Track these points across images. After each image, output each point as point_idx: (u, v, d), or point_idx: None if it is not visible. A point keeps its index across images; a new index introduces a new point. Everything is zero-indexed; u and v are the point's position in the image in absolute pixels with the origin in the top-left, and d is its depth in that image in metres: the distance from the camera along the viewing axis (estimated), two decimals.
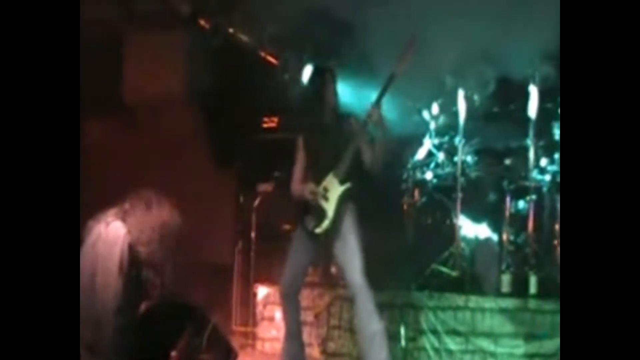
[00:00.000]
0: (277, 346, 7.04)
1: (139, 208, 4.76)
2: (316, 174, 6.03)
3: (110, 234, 4.57)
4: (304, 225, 6.02)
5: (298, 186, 6.13)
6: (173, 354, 5.66)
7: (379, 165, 6.00)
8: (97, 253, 4.53)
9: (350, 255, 5.88)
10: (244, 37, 8.73)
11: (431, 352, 6.76)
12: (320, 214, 5.92)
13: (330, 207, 5.92)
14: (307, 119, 6.34)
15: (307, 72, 8.01)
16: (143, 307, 4.69)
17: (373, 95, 6.20)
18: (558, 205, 7.26)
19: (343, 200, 5.93)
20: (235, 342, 6.83)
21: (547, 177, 7.47)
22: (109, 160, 7.89)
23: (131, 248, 4.55)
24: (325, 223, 5.92)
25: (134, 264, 4.55)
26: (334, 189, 5.92)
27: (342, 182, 5.92)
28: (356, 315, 5.91)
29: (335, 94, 6.16)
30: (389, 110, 6.63)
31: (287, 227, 7.25)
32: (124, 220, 4.69)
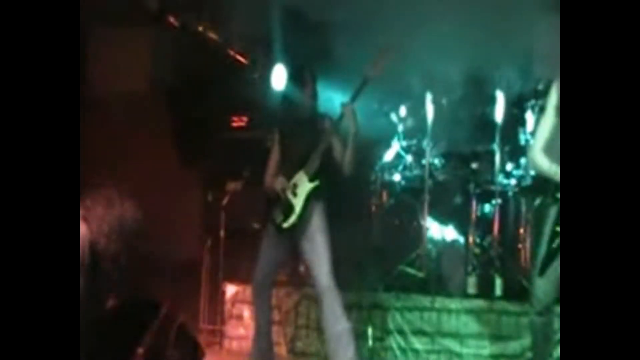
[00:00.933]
0: (245, 345, 7.12)
1: (99, 204, 4.77)
2: (288, 170, 6.12)
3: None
4: (272, 219, 6.10)
5: (271, 179, 6.22)
6: (139, 350, 5.71)
7: (351, 164, 6.06)
8: None
9: (318, 254, 5.94)
10: (212, 35, 8.75)
11: (398, 352, 6.82)
12: (288, 209, 6.01)
13: (298, 203, 6.00)
14: (284, 116, 6.43)
15: (277, 71, 8.05)
16: (109, 303, 4.69)
17: (342, 96, 6.36)
18: (523, 209, 7.47)
19: (311, 197, 6.01)
20: (203, 340, 6.88)
21: (513, 182, 7.63)
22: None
23: (91, 244, 4.54)
24: (292, 218, 6.00)
25: (95, 260, 4.54)
26: (303, 186, 6.00)
27: (311, 180, 6.00)
28: (323, 315, 5.94)
29: (314, 93, 6.25)
30: (358, 112, 6.72)
31: (255, 225, 7.28)
32: (84, 216, 4.69)
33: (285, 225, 6.03)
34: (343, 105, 6.00)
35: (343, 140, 6.05)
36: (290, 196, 6.01)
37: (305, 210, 5.99)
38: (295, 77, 6.38)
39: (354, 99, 5.99)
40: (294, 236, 6.05)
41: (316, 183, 6.01)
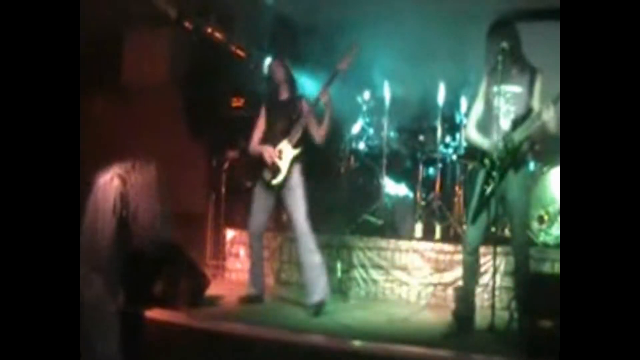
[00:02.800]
0: (242, 276, 7.34)
1: (131, 167, 4.83)
2: (273, 139, 6.26)
3: (107, 186, 4.60)
4: (263, 178, 6.24)
5: (256, 146, 6.37)
6: (159, 281, 5.87)
7: (324, 137, 6.23)
8: (97, 200, 4.56)
9: (297, 205, 6.12)
10: (219, 35, 8.84)
11: (360, 282, 6.97)
12: (276, 170, 6.17)
13: (284, 165, 6.15)
14: (269, 97, 6.53)
15: (267, 62, 8.14)
16: (133, 243, 4.74)
17: (317, 82, 6.65)
18: (458, 172, 7.66)
19: (294, 160, 6.17)
20: (209, 272, 7.00)
21: (450, 151, 7.78)
22: (109, 129, 7.94)
23: (122, 196, 4.59)
24: (280, 177, 6.16)
25: (124, 208, 4.59)
26: (288, 152, 6.17)
27: (294, 147, 6.16)
28: (300, 252, 6.12)
29: (290, 79, 6.43)
30: (333, 95, 6.89)
31: (249, 184, 7.35)
32: (119, 175, 4.74)
33: (274, 182, 6.18)
34: (320, 91, 6.13)
35: (318, 118, 6.22)
36: (277, 160, 6.15)
37: (289, 171, 6.15)
38: (277, 67, 6.49)
39: (328, 84, 6.11)
40: (280, 191, 6.21)
41: (298, 150, 6.18)
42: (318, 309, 5.96)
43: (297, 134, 6.17)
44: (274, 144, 6.22)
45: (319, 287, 6.01)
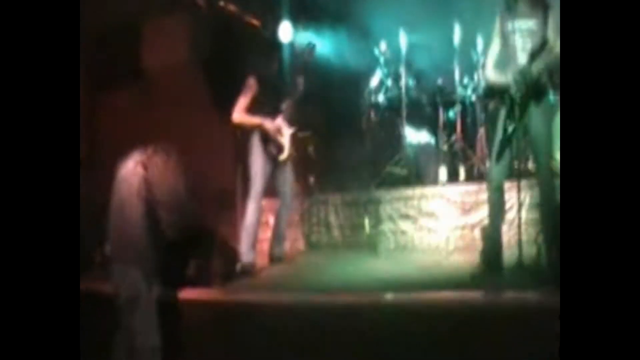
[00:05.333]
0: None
1: (152, 152, 4.76)
2: (269, 113, 6.19)
3: (130, 175, 4.57)
4: (270, 154, 6.23)
5: (242, 114, 6.24)
6: (193, 262, 5.79)
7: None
8: (121, 191, 4.53)
9: (286, 179, 6.35)
10: (231, 7, 8.68)
11: (389, 234, 6.84)
12: (279, 147, 6.20)
13: (285, 143, 6.19)
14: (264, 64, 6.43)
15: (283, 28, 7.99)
16: (162, 228, 4.69)
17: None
18: (478, 112, 7.47)
19: (291, 139, 6.22)
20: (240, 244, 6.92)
21: (469, 92, 7.60)
22: (131, 118, 7.89)
23: (147, 183, 4.54)
24: (285, 154, 6.20)
25: (149, 195, 4.54)
26: (286, 130, 6.19)
27: (289, 124, 6.21)
28: (279, 211, 6.47)
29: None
30: (349, 50, 6.71)
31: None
32: (141, 163, 4.69)
33: (281, 158, 6.23)
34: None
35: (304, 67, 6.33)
36: (279, 137, 6.17)
37: (289, 149, 6.21)
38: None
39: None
40: (280, 165, 6.30)
41: (293, 129, 6.21)
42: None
43: (291, 112, 6.20)
44: (272, 117, 6.18)
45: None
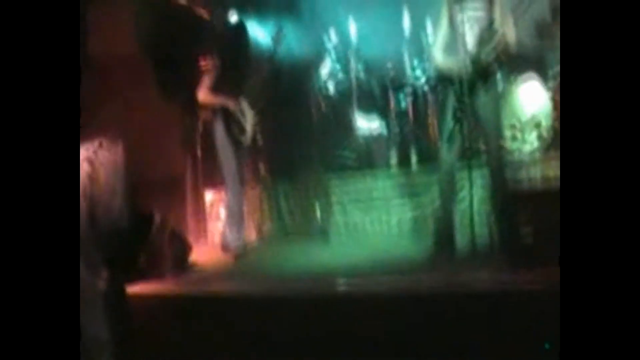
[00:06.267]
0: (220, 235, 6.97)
1: (98, 145, 4.61)
2: (232, 95, 6.11)
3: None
4: (233, 136, 6.12)
5: (208, 94, 6.15)
6: (142, 253, 5.64)
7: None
8: None
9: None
10: None
11: (340, 220, 6.75)
12: (242, 129, 6.12)
13: (247, 125, 6.14)
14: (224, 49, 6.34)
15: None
16: (108, 220, 4.55)
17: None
18: (429, 99, 7.36)
19: (254, 119, 6.18)
20: (191, 235, 6.86)
21: (420, 76, 7.47)
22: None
23: (91, 179, 4.40)
24: (247, 135, 6.15)
25: (94, 191, 4.41)
26: (248, 112, 6.14)
27: (252, 107, 6.16)
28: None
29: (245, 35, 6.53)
30: (300, 38, 6.63)
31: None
32: (87, 159, 4.55)
33: (242, 140, 6.14)
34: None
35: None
36: (241, 119, 6.10)
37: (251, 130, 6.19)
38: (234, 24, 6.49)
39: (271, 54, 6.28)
40: (245, 147, 6.24)
41: (255, 110, 6.17)
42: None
43: (253, 93, 6.16)
44: (234, 98, 6.12)
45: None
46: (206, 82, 6.16)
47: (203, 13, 8.51)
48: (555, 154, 5.84)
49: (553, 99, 6.22)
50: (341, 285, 4.91)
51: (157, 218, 5.90)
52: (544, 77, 6.38)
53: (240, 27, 6.50)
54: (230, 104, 6.07)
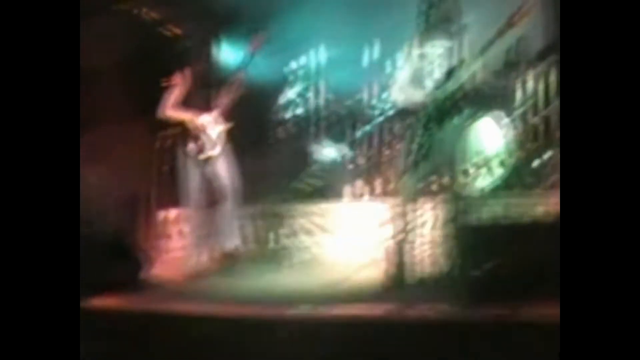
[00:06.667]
0: (175, 254, 7.13)
1: None
2: (196, 111, 6.13)
3: None
4: (190, 153, 6.12)
5: (170, 109, 6.17)
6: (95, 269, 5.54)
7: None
8: None
9: (224, 177, 6.15)
10: (154, 15, 8.49)
11: (294, 249, 6.80)
12: (203, 145, 6.10)
13: (210, 140, 6.10)
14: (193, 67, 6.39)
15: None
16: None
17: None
18: (385, 132, 7.54)
19: (219, 135, 6.13)
20: (149, 252, 6.66)
21: (377, 113, 7.66)
22: None
23: None
24: (207, 152, 6.10)
25: None
26: (212, 127, 6.12)
27: (217, 124, 6.17)
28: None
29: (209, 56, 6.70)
30: (263, 66, 6.65)
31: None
32: None
33: (201, 157, 6.10)
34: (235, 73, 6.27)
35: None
36: (203, 135, 6.08)
37: (216, 145, 6.12)
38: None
39: (242, 68, 6.25)
40: (208, 165, 6.13)
41: (221, 126, 6.17)
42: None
43: (219, 109, 6.16)
44: (196, 116, 6.13)
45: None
46: (172, 98, 6.16)
47: (169, 30, 8.58)
48: (515, 192, 6.00)
49: (514, 136, 6.32)
50: (294, 310, 4.78)
51: (115, 233, 5.91)
52: (508, 114, 6.39)
53: (209, 44, 6.51)
54: (195, 122, 6.06)
